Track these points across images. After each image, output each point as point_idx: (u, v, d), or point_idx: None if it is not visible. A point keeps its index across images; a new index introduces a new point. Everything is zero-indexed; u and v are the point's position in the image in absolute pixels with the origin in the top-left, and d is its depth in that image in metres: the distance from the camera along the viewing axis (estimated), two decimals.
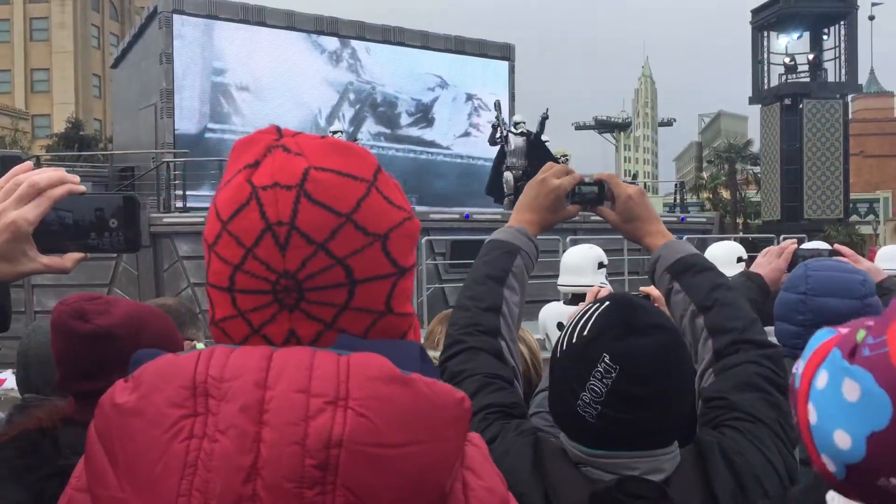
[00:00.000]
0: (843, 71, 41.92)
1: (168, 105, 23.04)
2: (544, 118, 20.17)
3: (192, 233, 14.51)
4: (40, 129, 59.22)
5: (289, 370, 0.86)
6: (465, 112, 28.83)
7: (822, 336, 1.00)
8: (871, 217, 52.65)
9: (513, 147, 19.56)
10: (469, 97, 28.81)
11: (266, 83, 24.94)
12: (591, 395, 1.39)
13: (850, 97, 46.15)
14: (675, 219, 21.39)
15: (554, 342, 1.55)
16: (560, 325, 5.09)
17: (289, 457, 0.81)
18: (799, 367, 1.00)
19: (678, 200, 28.75)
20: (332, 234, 0.91)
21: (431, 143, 28.22)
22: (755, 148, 54.91)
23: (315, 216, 0.90)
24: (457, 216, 17.67)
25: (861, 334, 0.91)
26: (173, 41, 23.11)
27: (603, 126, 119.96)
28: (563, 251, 5.92)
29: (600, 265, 5.34)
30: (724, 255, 5.25)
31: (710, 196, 60.56)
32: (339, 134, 19.26)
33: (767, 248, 2.82)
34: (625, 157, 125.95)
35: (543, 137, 20.03)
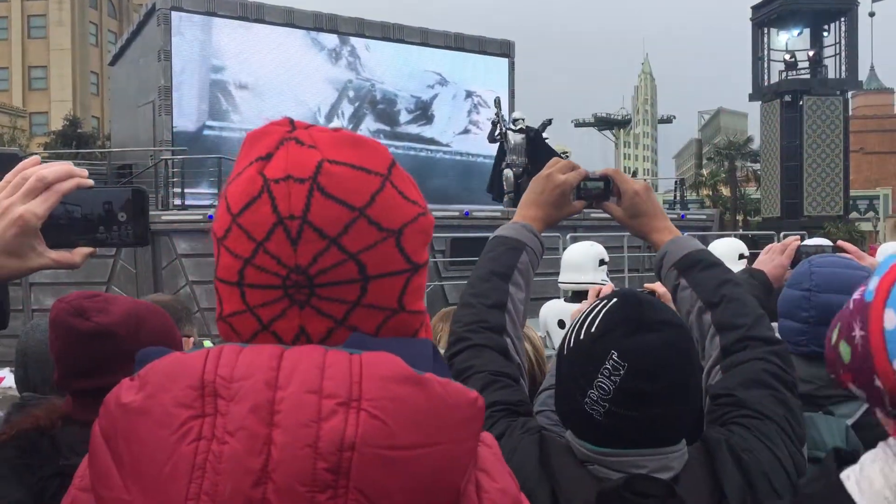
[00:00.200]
0: (843, 68, 41.92)
1: (166, 102, 23.01)
2: (546, 123, 20.13)
3: (190, 230, 14.48)
4: (38, 127, 59.24)
5: (300, 370, 0.84)
6: (464, 109, 28.81)
7: None
8: (870, 214, 52.71)
9: (512, 144, 19.53)
10: (469, 94, 28.79)
11: (265, 81, 24.91)
12: (599, 393, 1.38)
13: (850, 94, 46.17)
14: (675, 216, 21.34)
15: (555, 340, 1.54)
16: (561, 323, 5.08)
17: (300, 460, 0.79)
18: (871, 283, 1.02)
19: (678, 197, 28.71)
20: (346, 228, 0.89)
21: (431, 141, 28.19)
22: (755, 145, 54.98)
23: (328, 210, 0.88)
24: (456, 213, 17.65)
25: None
26: (171, 38, 23.08)
27: (602, 123, 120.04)
28: (564, 248, 5.90)
29: (601, 262, 5.33)
30: (726, 252, 5.23)
31: (710, 193, 60.70)
32: None
33: (770, 245, 2.80)
34: (624, 155, 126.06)
35: (543, 135, 20.00)
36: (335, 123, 21.30)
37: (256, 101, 24.47)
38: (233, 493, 0.79)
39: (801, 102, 40.39)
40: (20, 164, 1.12)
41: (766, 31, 43.51)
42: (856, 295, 1.04)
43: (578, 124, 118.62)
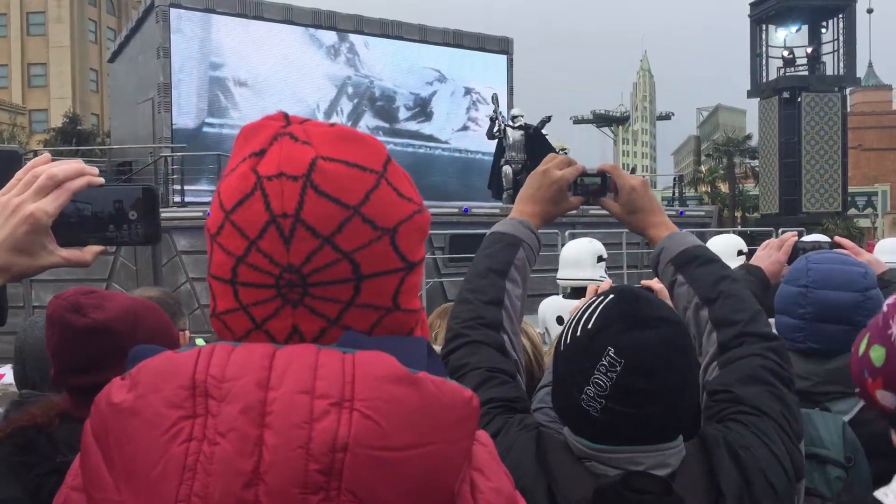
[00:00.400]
0: (841, 64, 41.94)
1: (165, 99, 22.98)
2: (545, 121, 20.10)
3: (190, 227, 14.47)
4: (37, 124, 59.21)
5: (292, 370, 0.83)
6: (463, 106, 28.78)
7: None
8: (869, 210, 52.72)
9: (511, 141, 19.49)
10: (467, 91, 28.76)
11: (264, 77, 24.89)
12: (596, 389, 1.37)
13: (848, 90, 46.18)
14: (673, 212, 21.34)
15: (554, 336, 1.53)
16: (559, 319, 5.09)
17: (292, 461, 0.78)
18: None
19: (676, 194, 28.72)
20: (339, 227, 0.88)
21: (430, 138, 28.16)
22: (754, 141, 54.95)
23: (321, 208, 0.87)
24: (455, 210, 17.66)
25: None
26: (170, 35, 23.05)
27: (601, 120, 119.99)
28: (562, 245, 5.90)
29: (599, 259, 5.33)
30: (725, 248, 5.22)
31: (709, 190, 60.68)
32: None
33: (767, 241, 2.80)
34: (623, 151, 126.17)
35: (542, 132, 19.96)
36: (334, 120, 21.19)
37: (256, 98, 24.44)
38: (223, 495, 0.79)
39: (799, 99, 40.42)
40: (31, 162, 1.11)
41: (764, 27, 43.51)
42: (890, 300, 1.05)
43: (577, 121, 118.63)
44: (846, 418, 2.16)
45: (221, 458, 0.79)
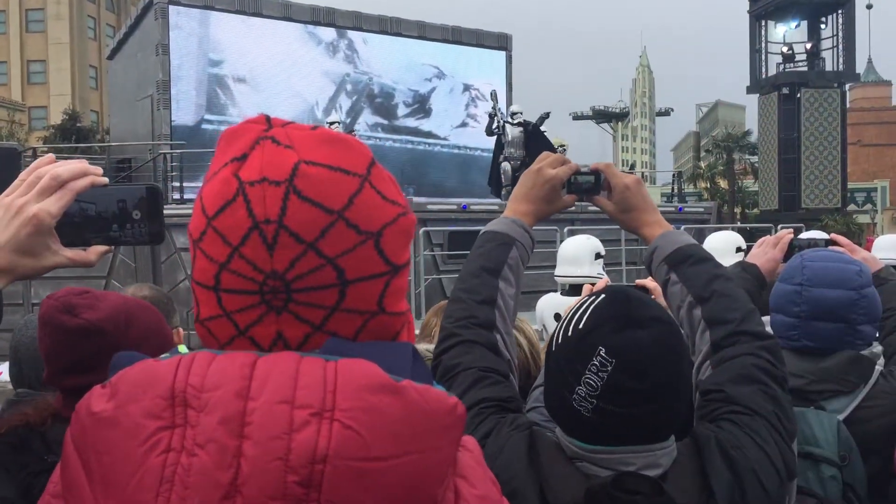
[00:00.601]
0: (840, 60, 41.94)
1: (164, 96, 22.99)
2: (543, 117, 20.07)
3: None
4: (37, 121, 59.13)
5: (272, 379, 0.82)
6: (462, 103, 28.78)
7: None
8: (868, 206, 52.74)
9: (510, 137, 19.47)
10: (466, 88, 28.76)
11: (262, 74, 24.89)
12: (587, 389, 1.37)
13: (847, 86, 46.17)
14: (672, 209, 21.37)
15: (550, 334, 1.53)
16: (557, 317, 5.08)
17: (270, 473, 0.77)
18: None
19: (676, 190, 28.72)
20: (323, 233, 0.87)
21: (429, 134, 28.17)
22: (753, 137, 54.94)
23: (305, 214, 0.87)
24: (454, 207, 17.65)
25: None
26: (169, 32, 23.07)
27: (601, 116, 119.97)
28: (561, 242, 5.90)
29: (597, 256, 5.33)
30: (723, 244, 5.21)
31: (708, 186, 60.68)
32: (337, 125, 19.18)
33: (763, 239, 2.79)
34: (623, 147, 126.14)
35: (541, 128, 19.95)
36: (333, 117, 21.21)
37: (254, 95, 24.45)
38: None
39: (798, 95, 40.44)
40: (35, 163, 1.11)
41: (763, 23, 43.51)
42: None
43: (577, 117, 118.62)
44: (841, 417, 2.16)
45: (199, 469, 0.79)
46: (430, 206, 17.23)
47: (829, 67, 42.26)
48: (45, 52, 63.44)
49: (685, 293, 1.71)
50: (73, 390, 1.87)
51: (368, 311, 0.92)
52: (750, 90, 44.04)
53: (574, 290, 5.20)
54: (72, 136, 41.65)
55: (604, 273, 5.26)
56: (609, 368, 1.36)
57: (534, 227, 1.87)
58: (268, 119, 0.93)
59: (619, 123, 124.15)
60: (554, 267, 5.47)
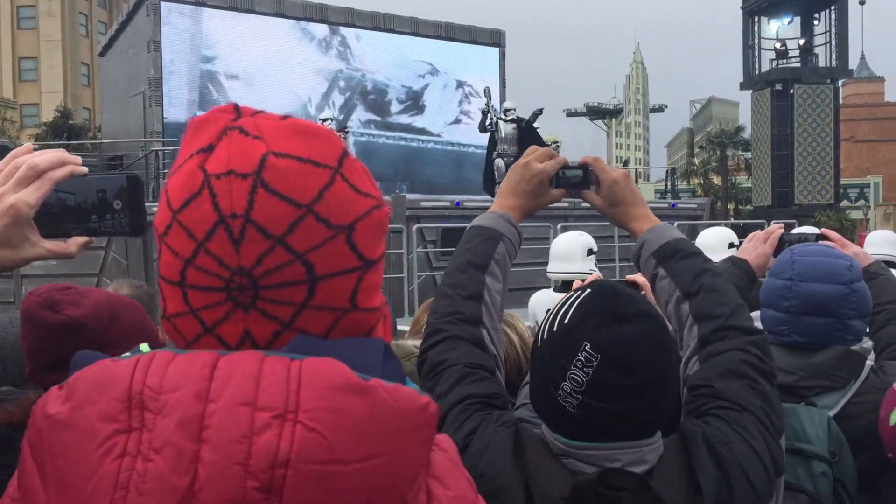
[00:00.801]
0: (833, 56, 42.03)
1: (156, 93, 22.96)
2: (537, 114, 20.05)
3: None
4: (28, 119, 58.91)
5: (234, 380, 0.78)
6: (455, 99, 28.79)
7: None
8: (861, 202, 52.88)
9: (503, 134, 19.44)
10: (459, 84, 28.76)
11: (255, 71, 24.85)
12: (572, 385, 1.36)
13: (840, 82, 46.27)
14: (666, 205, 21.41)
15: None
16: None
17: (229, 479, 0.74)
18: None
19: (669, 186, 28.81)
20: (291, 227, 0.84)
21: (422, 131, 28.17)
22: (747, 134, 55.07)
23: (272, 208, 0.83)
24: (447, 204, 17.65)
25: None
26: (161, 29, 23.02)
27: (594, 113, 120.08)
28: (554, 238, 5.89)
29: (589, 252, 5.32)
30: (716, 240, 5.21)
31: (702, 182, 60.85)
32: (329, 122, 19.15)
33: (753, 234, 2.77)
34: (616, 144, 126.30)
35: (534, 125, 19.94)
36: (326, 114, 21.14)
37: (247, 92, 24.41)
38: None
39: (791, 91, 40.52)
40: (12, 153, 1.08)
41: (756, 19, 43.57)
42: None
43: (570, 114, 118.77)
44: (831, 413, 2.15)
45: (155, 475, 0.76)
46: (423, 203, 17.22)
47: (822, 63, 42.34)
48: (36, 49, 63.22)
49: (673, 288, 1.69)
50: None
51: (340, 308, 0.89)
52: (743, 86, 44.13)
53: (566, 286, 5.18)
54: (63, 134, 41.55)
55: (596, 269, 5.25)
56: (594, 364, 1.34)
57: (526, 224, 1.86)
58: (236, 108, 0.90)
59: (613, 120, 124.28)
60: (546, 263, 5.46)
